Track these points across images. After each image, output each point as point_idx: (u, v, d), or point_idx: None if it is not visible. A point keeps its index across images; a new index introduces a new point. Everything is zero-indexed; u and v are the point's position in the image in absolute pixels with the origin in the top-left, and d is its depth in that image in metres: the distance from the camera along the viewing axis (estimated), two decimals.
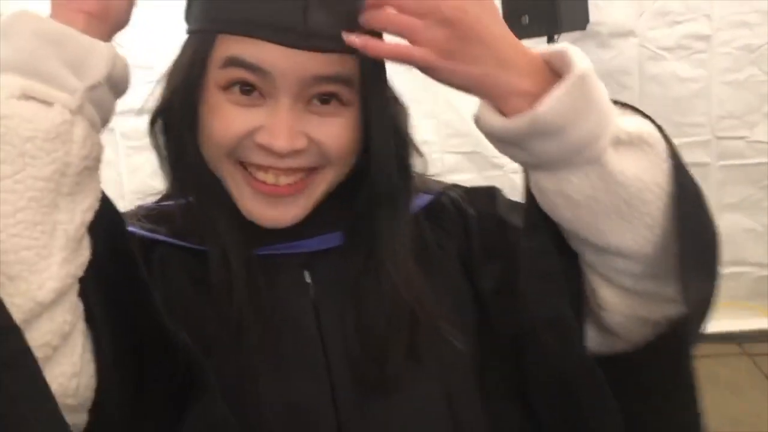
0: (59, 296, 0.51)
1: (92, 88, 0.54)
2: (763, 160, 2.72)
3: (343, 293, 0.67)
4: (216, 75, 0.62)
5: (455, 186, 0.79)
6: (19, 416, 0.47)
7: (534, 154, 0.57)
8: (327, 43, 0.60)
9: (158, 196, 0.73)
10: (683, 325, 0.59)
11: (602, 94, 0.57)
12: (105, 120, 0.58)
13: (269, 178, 0.63)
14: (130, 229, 0.67)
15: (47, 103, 0.52)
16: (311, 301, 0.67)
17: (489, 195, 0.77)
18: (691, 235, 0.59)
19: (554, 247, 0.62)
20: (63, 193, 0.53)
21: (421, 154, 0.71)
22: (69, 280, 0.52)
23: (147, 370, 0.60)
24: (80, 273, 0.54)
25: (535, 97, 0.55)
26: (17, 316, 0.48)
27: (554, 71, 0.58)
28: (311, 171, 0.64)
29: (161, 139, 0.68)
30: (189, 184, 0.68)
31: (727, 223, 2.78)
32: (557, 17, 2.42)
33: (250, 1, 0.61)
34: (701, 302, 0.60)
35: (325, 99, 0.63)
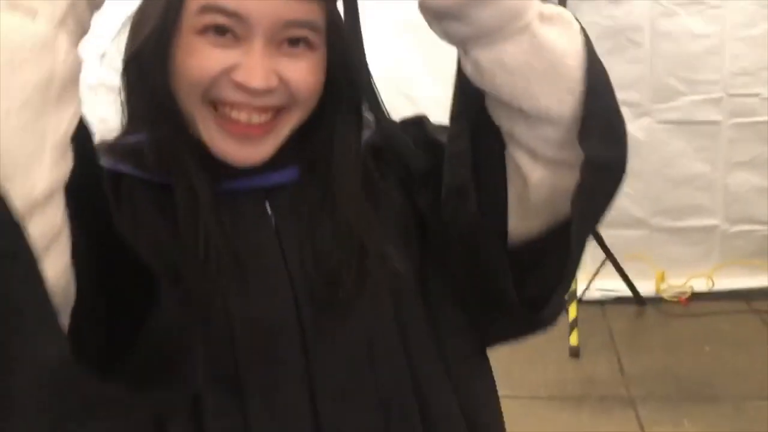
0: (49, 197, 0.54)
1: (75, 1, 0.57)
2: None
3: (300, 223, 0.73)
4: (192, 20, 0.66)
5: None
6: (15, 305, 0.52)
7: (473, 23, 0.65)
8: None
9: (117, 133, 0.76)
10: (582, 186, 0.68)
11: None
12: (84, 31, 0.60)
13: (242, 116, 0.68)
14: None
15: (30, 13, 0.54)
16: (273, 229, 0.73)
17: (418, 122, 0.84)
18: (596, 98, 0.68)
19: (469, 132, 0.73)
20: (50, 101, 0.55)
21: (381, 101, 0.76)
22: (57, 184, 0.55)
23: (113, 280, 0.63)
24: (66, 177, 0.56)
25: None
26: (20, 210, 0.52)
27: None
28: (279, 111, 0.69)
29: (132, 81, 0.72)
30: (158, 125, 0.71)
31: (737, 181, 2.78)
32: None
33: None
34: (604, 161, 0.69)
35: (294, 42, 0.68)
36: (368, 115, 0.79)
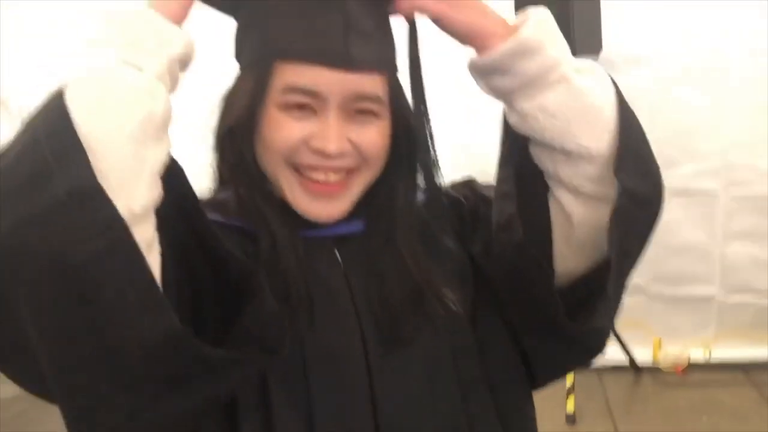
0: (145, 211, 0.65)
1: (172, 60, 0.70)
2: None
3: (366, 269, 0.82)
4: (277, 98, 0.76)
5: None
6: (127, 302, 0.60)
7: (517, 75, 0.76)
8: (365, 65, 0.76)
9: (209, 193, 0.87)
10: (621, 214, 0.76)
11: (559, 32, 0.78)
12: (174, 89, 0.72)
13: (320, 176, 0.78)
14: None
15: (140, 68, 0.68)
16: (342, 273, 0.82)
17: (468, 184, 0.96)
18: (630, 134, 0.78)
19: (514, 175, 0.83)
20: (150, 136, 0.66)
21: (438, 167, 0.85)
22: (151, 203, 0.66)
23: (202, 289, 0.73)
24: (158, 201, 0.67)
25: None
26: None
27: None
28: (351, 171, 0.79)
29: (225, 152, 0.82)
30: (245, 186, 0.81)
31: (735, 251, 2.80)
32: (571, 42, 2.43)
33: (299, 31, 0.76)
34: (640, 192, 0.78)
35: (362, 111, 0.78)
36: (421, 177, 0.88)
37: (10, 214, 0.59)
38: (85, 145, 0.61)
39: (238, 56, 0.82)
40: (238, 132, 0.79)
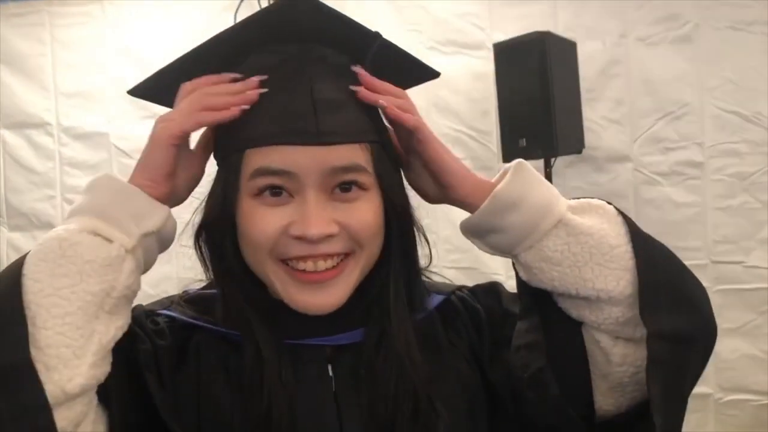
0: (82, 392, 0.62)
1: (145, 235, 0.68)
2: (761, 285, 2.72)
3: (359, 382, 0.75)
4: (247, 186, 0.72)
5: (462, 286, 0.88)
6: None
7: (508, 230, 0.72)
8: (337, 137, 0.71)
9: (203, 284, 0.83)
10: (659, 362, 0.67)
11: (543, 179, 0.74)
12: (148, 265, 0.71)
13: (309, 266, 0.72)
14: (174, 315, 0.78)
15: (109, 240, 0.66)
16: (333, 393, 0.75)
17: (493, 291, 0.87)
18: (651, 267, 0.69)
19: (540, 324, 0.75)
20: (104, 310, 0.65)
21: (427, 240, 0.81)
22: (93, 381, 0.63)
23: None
24: (102, 379, 0.64)
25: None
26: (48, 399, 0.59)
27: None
28: (345, 256, 0.73)
29: (205, 250, 0.79)
30: (228, 285, 0.77)
31: (726, 348, 2.75)
32: (554, 141, 2.50)
33: (267, 118, 0.71)
34: (674, 332, 0.68)
35: (346, 187, 0.72)
36: (438, 277, 0.84)
37: None
38: (29, 317, 0.60)
39: (216, 155, 0.79)
40: (214, 230, 0.76)
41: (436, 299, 0.83)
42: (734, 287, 2.74)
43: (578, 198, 0.76)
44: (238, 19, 0.79)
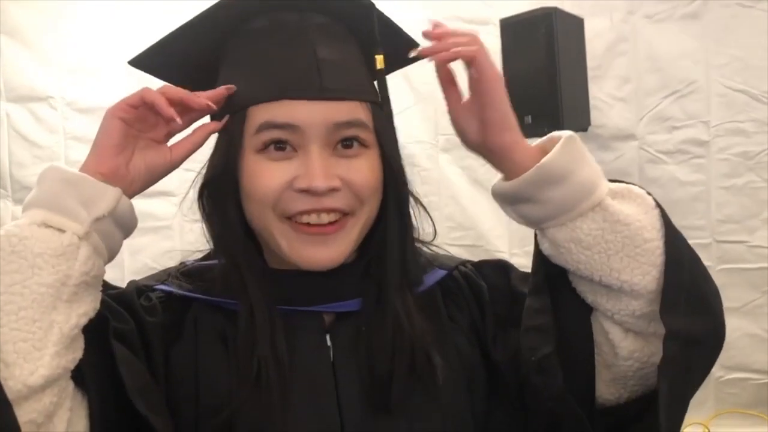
0: (48, 382, 0.61)
1: (97, 219, 0.67)
2: (765, 264, 2.72)
3: (357, 348, 0.76)
4: (252, 141, 0.72)
5: (467, 261, 0.87)
6: None
7: (545, 204, 0.69)
8: (340, 93, 0.72)
9: (200, 255, 0.84)
10: (670, 361, 0.66)
11: (591, 156, 0.71)
12: (112, 251, 0.70)
13: (312, 218, 0.73)
14: (169, 289, 0.78)
15: (61, 230, 0.65)
16: (331, 363, 0.75)
17: (500, 268, 0.85)
18: (678, 269, 0.68)
19: (551, 306, 0.73)
20: (62, 299, 0.64)
21: (424, 207, 0.81)
22: (59, 371, 0.62)
23: None
24: (71, 366, 0.64)
25: (528, 168, 0.71)
26: (9, 395, 0.58)
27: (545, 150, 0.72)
28: (346, 215, 0.74)
29: (207, 208, 0.79)
30: (228, 246, 0.77)
31: (728, 327, 2.74)
32: (560, 118, 2.49)
33: (271, 75, 0.72)
34: (689, 335, 0.67)
35: (347, 143, 0.73)
36: (441, 251, 0.84)
37: None
38: None
39: (217, 117, 0.79)
40: (218, 187, 0.76)
41: (439, 273, 0.83)
42: (737, 266, 2.74)
43: (618, 181, 0.74)
44: None
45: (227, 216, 0.76)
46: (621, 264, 0.68)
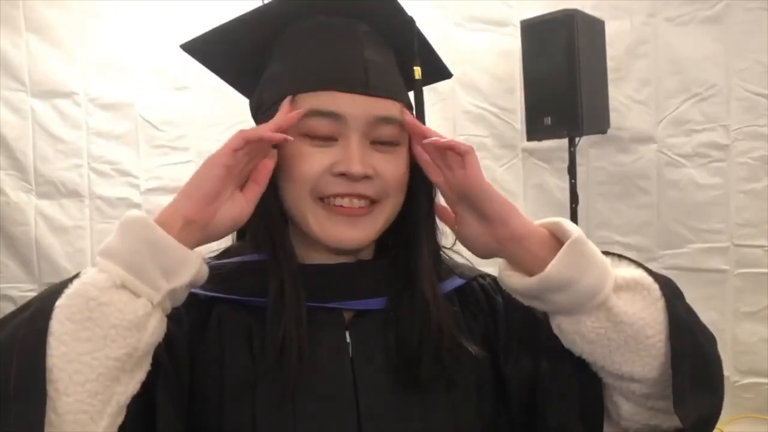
0: None
1: (174, 290, 0.68)
2: None
3: (377, 346, 0.79)
4: (298, 125, 0.76)
5: (487, 275, 0.90)
6: None
7: (551, 304, 0.73)
8: (383, 91, 0.79)
9: (215, 253, 0.85)
10: None
11: (596, 252, 0.73)
12: (177, 304, 0.71)
13: (345, 201, 0.77)
14: (194, 290, 0.77)
15: (136, 294, 0.66)
16: (350, 359, 0.78)
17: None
18: (684, 359, 0.70)
19: (574, 372, 0.76)
20: (126, 371, 0.65)
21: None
22: None
23: None
24: (115, 430, 0.65)
25: (544, 260, 0.72)
26: None
27: (555, 236, 0.73)
28: (374, 203, 0.78)
29: None
30: (268, 239, 0.80)
31: (744, 332, 2.75)
32: (579, 120, 2.49)
33: (319, 66, 0.78)
34: (700, 418, 0.71)
35: (384, 142, 0.79)
36: (461, 258, 0.87)
37: None
38: (50, 381, 0.61)
39: (257, 110, 0.83)
40: None
41: (457, 281, 0.86)
42: (755, 271, 2.73)
43: (628, 259, 0.76)
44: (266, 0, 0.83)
45: (268, 206, 0.79)
46: (623, 358, 0.71)
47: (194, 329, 0.77)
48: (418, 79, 0.82)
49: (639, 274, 0.74)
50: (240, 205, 0.75)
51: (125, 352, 0.64)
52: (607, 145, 2.85)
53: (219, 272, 0.80)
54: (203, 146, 3.03)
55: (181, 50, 0.85)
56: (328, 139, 0.77)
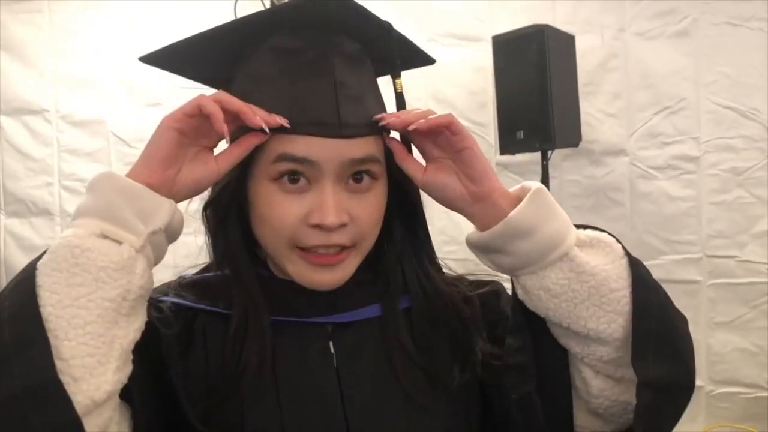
0: (109, 397, 0.63)
1: (153, 233, 0.68)
2: (754, 279, 2.74)
3: (363, 356, 0.79)
4: (267, 169, 0.75)
5: (461, 277, 0.92)
6: None
7: (514, 255, 0.72)
8: (357, 130, 0.75)
9: (198, 268, 0.86)
10: (643, 408, 0.69)
11: (558, 206, 0.74)
12: (158, 260, 0.71)
13: (321, 250, 0.75)
14: (177, 300, 0.80)
15: (118, 241, 0.66)
16: (335, 368, 0.78)
17: (494, 292, 0.89)
18: (646, 317, 0.70)
19: (531, 345, 0.76)
20: (122, 314, 0.65)
21: (426, 230, 0.86)
22: (119, 385, 0.64)
23: None
24: (125, 381, 0.65)
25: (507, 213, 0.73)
26: (78, 411, 0.60)
27: (519, 198, 0.75)
28: (347, 248, 0.77)
29: (212, 224, 0.81)
30: (231, 259, 0.80)
31: (718, 342, 2.78)
32: (551, 133, 2.52)
33: (291, 106, 0.74)
34: (659, 380, 0.70)
35: (358, 177, 0.76)
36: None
37: None
38: (50, 330, 0.61)
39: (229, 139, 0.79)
40: (224, 207, 0.78)
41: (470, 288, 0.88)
42: (727, 281, 2.76)
43: (588, 227, 0.76)
44: (239, 14, 0.80)
45: (231, 233, 0.79)
46: (587, 312, 0.71)
47: (182, 336, 0.78)
48: (399, 92, 0.80)
49: (601, 233, 0.75)
50: (208, 167, 0.73)
51: (118, 293, 0.64)
52: (579, 158, 2.88)
53: (200, 285, 0.82)
54: None
55: (151, 67, 0.82)
56: (300, 185, 0.75)
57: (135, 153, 3.22)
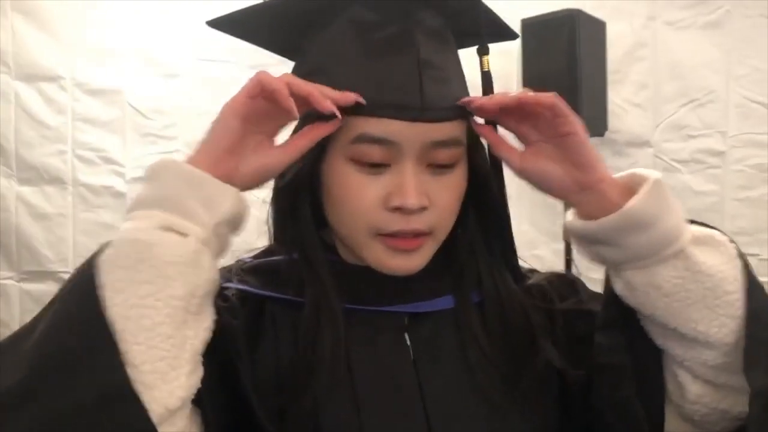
0: (183, 404, 0.59)
1: (218, 224, 0.64)
2: None
3: (440, 349, 0.75)
4: (344, 149, 0.70)
5: (535, 271, 0.88)
6: None
7: (626, 249, 0.67)
8: (442, 113, 0.71)
9: (254, 252, 0.82)
10: (755, 419, 0.63)
11: (675, 200, 0.69)
12: (222, 252, 0.67)
13: (399, 234, 0.72)
14: (244, 288, 0.76)
15: (183, 234, 0.62)
16: (411, 360, 0.75)
17: (571, 284, 0.85)
18: (760, 323, 0.65)
19: (625, 344, 0.71)
20: (191, 312, 0.61)
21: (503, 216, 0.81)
22: (192, 390, 0.60)
23: None
24: (199, 384, 0.61)
25: (620, 205, 0.67)
26: (154, 420, 0.55)
27: (630, 190, 0.69)
28: (426, 234, 0.73)
29: (280, 204, 0.77)
30: (299, 244, 0.76)
31: None
32: None
33: (372, 85, 0.69)
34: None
35: (440, 165, 0.72)
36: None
37: (34, 407, 0.53)
38: (116, 335, 0.56)
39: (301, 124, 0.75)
40: (299, 188, 0.74)
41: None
42: None
43: (698, 223, 0.71)
44: None
45: (303, 216, 0.75)
46: (699, 314, 0.66)
47: (251, 327, 0.74)
48: (486, 71, 0.77)
49: (714, 231, 0.70)
50: (274, 156, 0.69)
51: (187, 290, 0.60)
52: (603, 148, 2.82)
53: (265, 270, 0.78)
54: (191, 136, 2.96)
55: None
56: (379, 166, 0.70)
57: (150, 124, 3.21)
